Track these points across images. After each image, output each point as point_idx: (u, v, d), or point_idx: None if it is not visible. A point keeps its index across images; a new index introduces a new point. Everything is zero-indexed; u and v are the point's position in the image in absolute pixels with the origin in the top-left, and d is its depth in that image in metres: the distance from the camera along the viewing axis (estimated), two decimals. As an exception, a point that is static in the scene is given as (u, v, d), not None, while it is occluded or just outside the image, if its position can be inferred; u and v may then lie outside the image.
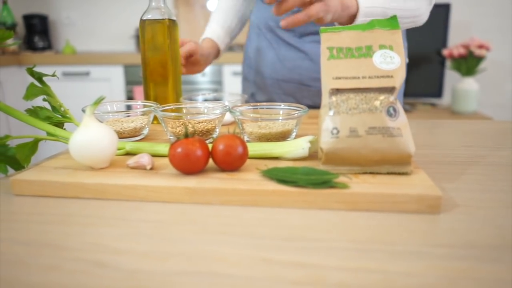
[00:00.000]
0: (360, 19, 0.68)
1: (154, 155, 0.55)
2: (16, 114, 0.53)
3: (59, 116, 0.59)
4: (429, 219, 0.40)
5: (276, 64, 1.00)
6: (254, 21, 1.06)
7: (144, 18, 0.75)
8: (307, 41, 0.95)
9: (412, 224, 0.39)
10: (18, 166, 0.53)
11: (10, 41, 2.33)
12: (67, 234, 0.38)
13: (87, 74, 2.43)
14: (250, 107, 0.67)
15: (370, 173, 0.48)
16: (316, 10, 0.62)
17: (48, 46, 2.83)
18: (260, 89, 1.06)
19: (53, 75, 0.60)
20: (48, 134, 0.56)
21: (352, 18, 0.69)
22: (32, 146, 0.55)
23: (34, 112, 0.57)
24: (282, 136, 0.60)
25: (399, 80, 0.49)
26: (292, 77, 0.98)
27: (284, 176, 0.45)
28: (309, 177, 0.44)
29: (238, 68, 2.31)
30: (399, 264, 0.32)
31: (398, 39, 0.52)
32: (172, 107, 0.67)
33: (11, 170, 0.54)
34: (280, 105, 0.67)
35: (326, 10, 0.63)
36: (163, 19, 0.75)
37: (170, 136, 0.62)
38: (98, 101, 0.51)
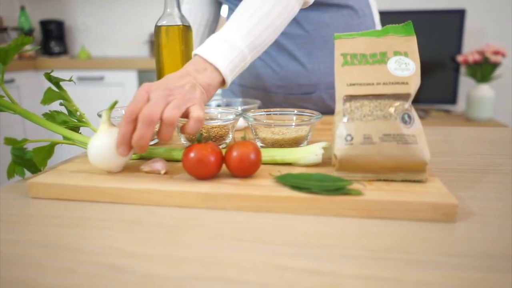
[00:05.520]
0: (230, 78, 0.62)
1: (168, 160, 0.56)
2: (35, 119, 0.54)
3: (75, 121, 0.60)
4: (444, 228, 0.40)
5: (243, 71, 0.97)
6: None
7: (159, 24, 0.76)
8: (269, 49, 0.93)
9: (427, 232, 0.39)
10: (35, 169, 0.54)
11: (28, 47, 2.38)
12: (83, 237, 0.39)
13: (101, 78, 2.46)
14: (264, 113, 0.67)
15: (384, 180, 0.47)
16: (198, 109, 0.52)
17: (64, 51, 2.88)
18: (236, 95, 1.07)
19: (70, 80, 0.61)
20: (65, 138, 0.57)
21: (222, 83, 0.62)
22: (49, 149, 0.56)
23: (51, 116, 0.58)
24: (295, 142, 0.60)
25: (414, 87, 0.49)
26: (258, 84, 0.98)
27: (297, 183, 0.45)
28: (323, 183, 0.44)
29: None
30: (414, 273, 0.32)
31: (413, 45, 0.52)
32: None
33: (27, 173, 0.55)
34: (293, 111, 0.67)
35: (202, 104, 0.54)
36: (177, 25, 0.76)
37: (184, 141, 0.63)
38: (113, 106, 0.52)
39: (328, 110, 0.98)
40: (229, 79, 0.61)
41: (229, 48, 0.61)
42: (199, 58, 0.60)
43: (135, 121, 0.49)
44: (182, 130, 0.53)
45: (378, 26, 1.00)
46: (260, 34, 0.64)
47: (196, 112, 0.51)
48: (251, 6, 0.65)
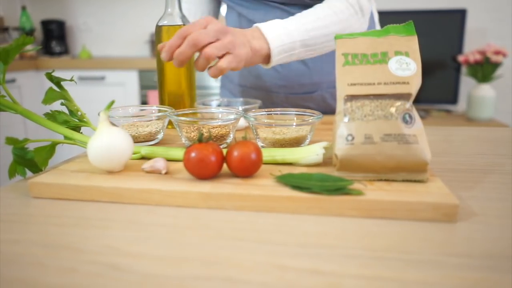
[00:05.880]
0: (276, 59, 0.67)
1: (169, 160, 0.56)
2: (36, 119, 0.54)
3: (76, 120, 0.60)
4: (445, 228, 0.40)
5: (243, 71, 1.00)
6: None
7: (160, 24, 0.76)
8: None
9: (428, 232, 0.39)
10: (36, 169, 0.54)
11: (29, 47, 2.38)
12: (84, 236, 0.39)
13: (102, 78, 2.47)
14: (264, 112, 0.67)
15: (385, 180, 0.47)
16: (228, 61, 0.59)
17: (65, 51, 2.88)
18: (234, 96, 1.07)
19: (71, 80, 0.61)
20: (66, 137, 0.57)
21: (267, 59, 0.68)
22: (50, 149, 0.56)
23: (52, 116, 0.58)
24: (296, 142, 0.60)
25: (415, 87, 0.49)
26: (259, 84, 0.99)
27: (298, 182, 0.45)
28: (324, 183, 0.44)
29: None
30: (415, 273, 0.32)
31: (414, 45, 0.52)
32: (186, 112, 0.67)
33: (29, 173, 0.55)
34: (294, 111, 0.67)
35: (238, 61, 0.61)
36: (178, 25, 0.76)
37: (185, 141, 0.63)
38: (110, 105, 0.52)
39: (329, 109, 0.98)
40: (274, 59, 0.67)
41: (284, 34, 0.67)
42: (258, 29, 0.66)
43: (185, 38, 0.57)
44: (196, 63, 0.60)
45: (377, 26, 1.00)
46: (315, 38, 0.71)
47: (222, 61, 0.59)
48: (320, 13, 0.72)
